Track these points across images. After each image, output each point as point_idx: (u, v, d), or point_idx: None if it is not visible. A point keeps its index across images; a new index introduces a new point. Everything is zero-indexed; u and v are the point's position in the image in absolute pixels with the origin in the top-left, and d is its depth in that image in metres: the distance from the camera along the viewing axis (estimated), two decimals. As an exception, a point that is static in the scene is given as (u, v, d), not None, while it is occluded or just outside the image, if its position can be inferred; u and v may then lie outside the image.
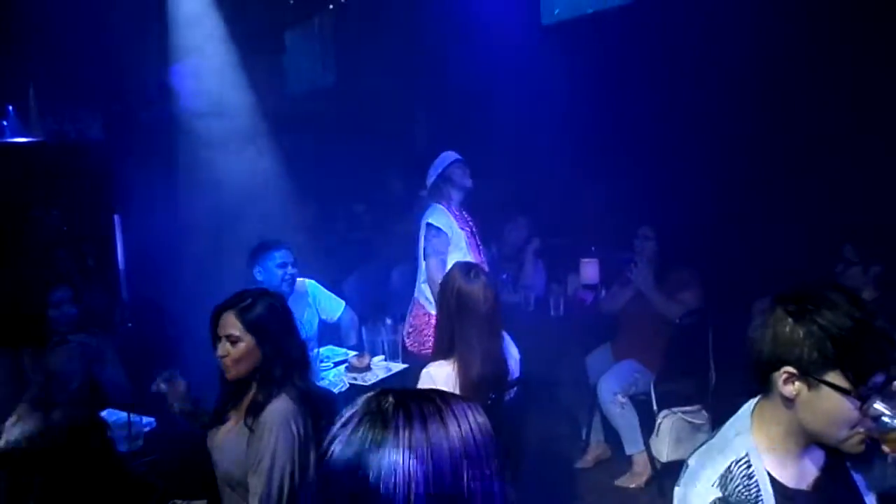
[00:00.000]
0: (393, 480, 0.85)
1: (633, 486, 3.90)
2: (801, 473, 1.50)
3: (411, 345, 3.95)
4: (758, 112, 4.18)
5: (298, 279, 3.90)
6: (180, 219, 5.46)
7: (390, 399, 0.92)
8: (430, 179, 4.11)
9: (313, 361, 3.44)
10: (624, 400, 3.95)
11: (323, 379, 3.40)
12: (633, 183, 4.59)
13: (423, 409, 0.90)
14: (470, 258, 3.95)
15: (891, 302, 3.18)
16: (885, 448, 1.39)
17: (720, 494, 1.44)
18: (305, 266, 4.01)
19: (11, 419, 1.86)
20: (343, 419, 0.92)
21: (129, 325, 4.81)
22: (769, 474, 1.47)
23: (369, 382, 3.39)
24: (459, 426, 0.91)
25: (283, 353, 2.37)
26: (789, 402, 1.43)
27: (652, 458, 3.85)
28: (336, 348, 3.87)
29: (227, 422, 2.40)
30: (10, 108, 5.18)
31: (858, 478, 1.54)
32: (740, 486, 1.44)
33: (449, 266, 3.02)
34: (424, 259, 3.97)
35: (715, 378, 3.96)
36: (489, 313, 2.63)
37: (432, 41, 5.78)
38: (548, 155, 5.20)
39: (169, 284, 5.02)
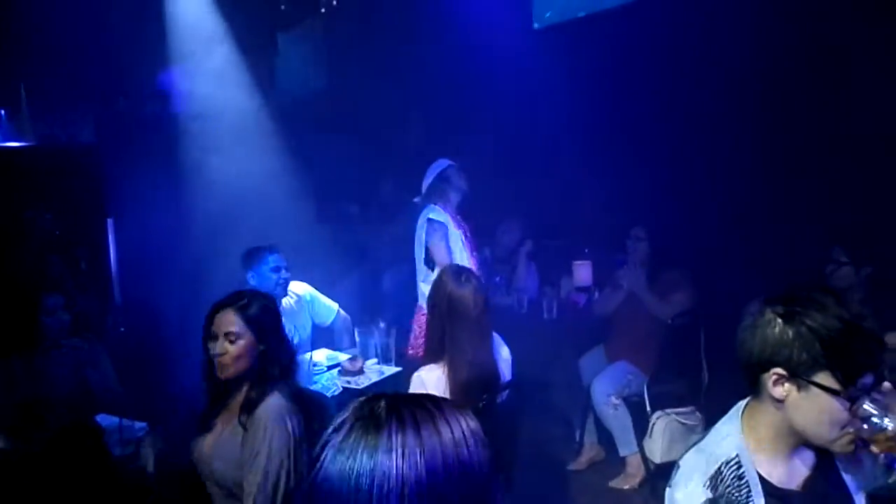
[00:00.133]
0: (386, 486, 0.86)
1: (626, 487, 3.91)
2: (791, 474, 1.51)
3: (416, 348, 3.88)
4: (750, 115, 4.20)
5: (294, 283, 3.91)
6: (174, 222, 5.44)
7: (382, 404, 0.92)
8: (428, 181, 4.12)
9: (306, 365, 3.47)
10: (617, 401, 3.96)
11: (316, 383, 3.40)
12: (625, 185, 4.61)
13: (416, 415, 0.91)
14: (465, 259, 3.97)
15: (881, 302, 3.21)
16: (874, 448, 1.40)
17: (711, 495, 1.44)
18: (299, 269, 4.02)
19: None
20: (335, 424, 0.92)
21: (122, 329, 4.80)
22: (759, 475, 1.48)
23: (362, 386, 3.39)
24: (452, 432, 0.91)
25: (278, 352, 2.42)
26: (779, 403, 1.44)
27: (645, 460, 3.86)
28: (330, 352, 3.87)
29: (214, 428, 2.39)
30: (2, 112, 5.17)
31: (848, 478, 1.55)
32: (731, 487, 1.45)
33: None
34: (429, 247, 3.95)
35: (708, 379, 3.97)
36: (480, 317, 2.64)
37: (424, 45, 5.78)
38: (540, 158, 5.22)
39: (162, 288, 5.00)
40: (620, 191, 4.61)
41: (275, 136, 5.90)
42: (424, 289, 3.96)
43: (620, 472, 3.98)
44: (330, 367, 3.62)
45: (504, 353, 2.85)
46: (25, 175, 5.17)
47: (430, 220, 3.97)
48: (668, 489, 1.54)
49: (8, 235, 4.98)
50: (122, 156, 5.58)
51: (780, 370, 1.42)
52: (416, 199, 4.21)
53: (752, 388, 1.51)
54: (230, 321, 2.36)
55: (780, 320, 1.43)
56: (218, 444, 2.35)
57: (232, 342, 2.34)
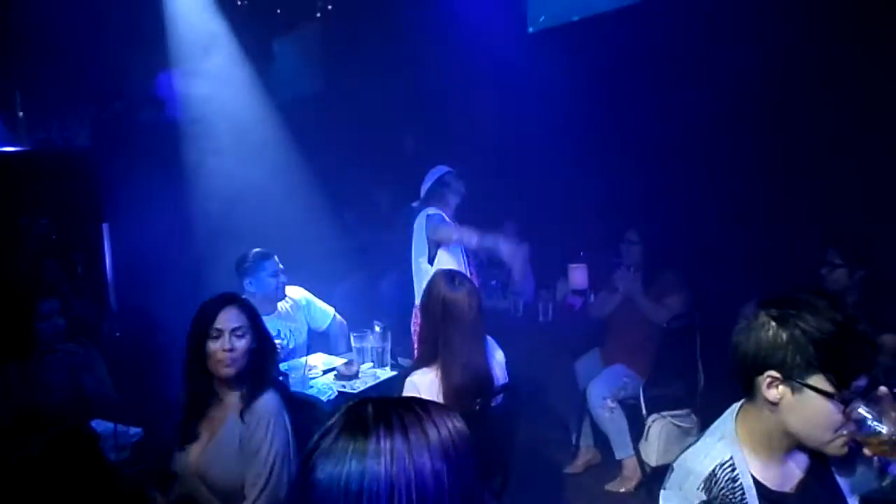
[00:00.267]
0: (375, 490, 0.86)
1: (622, 490, 3.91)
2: (784, 476, 1.52)
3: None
4: (744, 117, 4.21)
5: (290, 287, 3.91)
6: (170, 226, 5.44)
7: (370, 409, 0.93)
8: (426, 186, 4.12)
9: (301, 369, 3.47)
10: (613, 405, 3.96)
11: (311, 387, 3.40)
12: (621, 187, 4.61)
13: (404, 418, 0.91)
14: (462, 264, 3.97)
15: (875, 304, 3.21)
16: (867, 451, 1.40)
17: (705, 497, 1.45)
18: (295, 274, 4.02)
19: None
20: (323, 430, 0.92)
21: (117, 334, 4.80)
22: (753, 477, 1.48)
23: (358, 390, 3.39)
24: (440, 434, 0.92)
25: (270, 352, 2.49)
26: (773, 405, 1.45)
27: (641, 463, 3.85)
28: (325, 356, 3.87)
29: (199, 438, 2.38)
30: (-2, 116, 5.17)
31: (842, 480, 1.55)
32: (725, 490, 1.46)
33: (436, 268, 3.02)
34: (431, 235, 3.95)
35: (703, 381, 3.97)
36: (474, 320, 2.64)
37: (419, 49, 5.79)
38: (536, 161, 5.22)
39: (158, 293, 5.00)
40: (616, 194, 4.62)
41: (271, 140, 5.91)
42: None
43: (616, 475, 3.98)
44: (326, 372, 3.61)
45: (498, 357, 2.86)
46: (21, 179, 5.17)
47: (428, 215, 3.99)
48: (662, 491, 1.54)
49: (3, 240, 4.97)
50: (119, 160, 5.58)
51: (774, 373, 1.43)
52: (414, 204, 4.21)
53: (746, 390, 1.52)
54: (235, 317, 2.40)
55: (773, 323, 1.44)
56: (211, 451, 2.35)
57: (239, 337, 2.38)
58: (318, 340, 4.06)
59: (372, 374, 3.56)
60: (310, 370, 3.53)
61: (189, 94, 5.91)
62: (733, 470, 1.48)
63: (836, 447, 1.44)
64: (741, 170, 4.24)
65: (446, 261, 3.94)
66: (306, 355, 3.77)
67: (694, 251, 4.28)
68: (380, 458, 0.87)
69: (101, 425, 2.93)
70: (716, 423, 1.60)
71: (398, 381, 2.94)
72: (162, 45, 5.69)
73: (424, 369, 2.65)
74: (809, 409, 1.41)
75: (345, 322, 4.08)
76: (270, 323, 3.74)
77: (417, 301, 4.00)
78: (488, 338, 2.81)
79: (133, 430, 2.87)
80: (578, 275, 4.45)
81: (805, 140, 4.02)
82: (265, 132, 5.91)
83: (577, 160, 4.79)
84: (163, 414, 2.75)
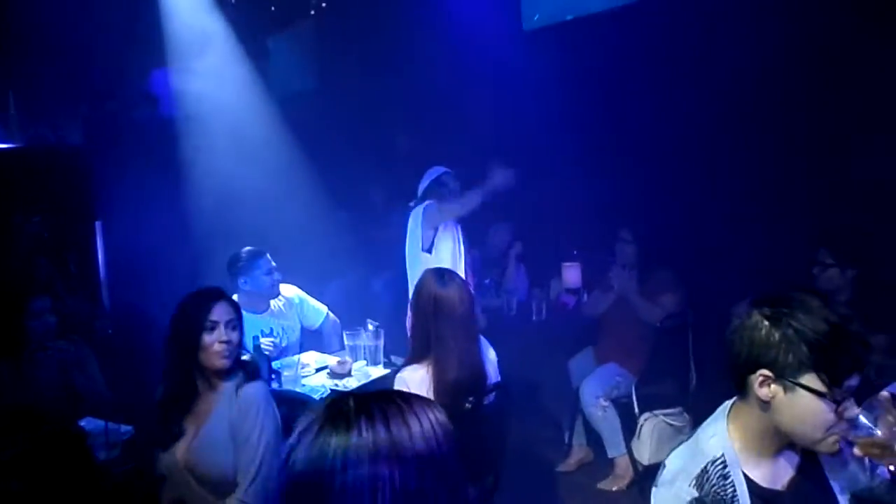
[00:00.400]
0: (359, 483, 0.86)
1: (615, 489, 3.92)
2: (776, 474, 1.52)
3: None
4: (737, 117, 4.21)
5: (283, 285, 3.91)
6: (163, 224, 5.42)
7: (351, 403, 0.93)
8: (424, 185, 4.13)
9: (294, 367, 3.46)
10: (606, 403, 3.97)
11: (304, 385, 3.40)
12: (615, 187, 4.61)
13: (385, 411, 0.92)
14: (460, 257, 3.98)
15: (866, 303, 3.23)
16: (857, 450, 1.41)
17: (696, 494, 1.45)
18: (289, 272, 4.01)
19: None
20: (304, 425, 0.92)
21: (110, 332, 4.78)
22: (745, 475, 1.49)
23: (350, 388, 3.38)
24: (421, 425, 0.92)
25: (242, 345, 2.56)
26: (765, 404, 1.45)
27: (634, 461, 3.86)
28: (318, 354, 3.86)
29: (185, 434, 2.40)
30: (-9, 112, 5.15)
31: (833, 478, 1.55)
32: (716, 487, 1.46)
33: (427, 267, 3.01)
34: (430, 219, 3.97)
35: (695, 380, 3.98)
36: (466, 316, 2.64)
37: (413, 47, 5.79)
38: (529, 160, 5.22)
39: (151, 291, 4.98)
40: (609, 193, 4.62)
41: (265, 138, 5.89)
42: None
43: (609, 473, 3.99)
44: (318, 370, 3.61)
45: (490, 355, 2.86)
46: (13, 177, 5.14)
47: (427, 204, 4.02)
48: (654, 488, 1.55)
49: (-4, 237, 4.95)
50: (112, 158, 5.56)
51: (766, 372, 1.43)
52: (410, 204, 4.21)
53: (738, 388, 1.52)
54: (227, 310, 2.44)
55: (766, 322, 1.44)
56: (200, 443, 2.36)
57: (233, 329, 2.43)
58: (312, 339, 4.06)
59: (365, 373, 3.55)
60: (303, 368, 3.53)
61: (183, 92, 5.89)
62: (725, 467, 1.48)
63: (828, 445, 1.44)
64: (734, 170, 4.25)
65: (444, 247, 3.94)
66: (299, 353, 3.77)
67: (687, 250, 4.28)
68: (362, 450, 0.87)
69: (91, 423, 2.92)
70: (708, 421, 1.61)
71: (391, 380, 2.94)
72: (156, 42, 5.68)
73: (415, 365, 2.65)
74: (801, 407, 1.41)
75: (338, 320, 4.08)
76: (263, 321, 3.76)
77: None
78: (480, 337, 2.81)
79: (124, 428, 2.87)
80: (572, 274, 4.46)
81: (798, 140, 4.03)
82: (260, 130, 5.89)
83: (570, 159, 4.79)
84: (154, 412, 2.74)
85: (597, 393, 3.98)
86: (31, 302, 3.35)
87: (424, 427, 0.92)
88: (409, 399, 0.96)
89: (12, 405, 3.02)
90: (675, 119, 4.44)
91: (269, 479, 2.26)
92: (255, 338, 3.37)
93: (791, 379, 1.40)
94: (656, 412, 3.83)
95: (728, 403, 1.58)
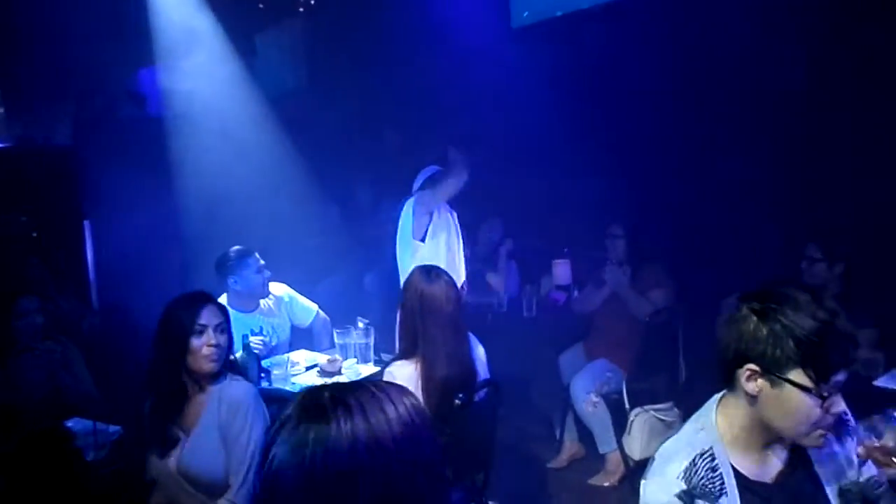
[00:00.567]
0: (342, 472, 0.86)
1: (606, 484, 3.92)
2: (764, 467, 1.53)
3: None
4: (727, 113, 4.23)
5: (272, 284, 3.89)
6: (152, 224, 5.40)
7: (326, 394, 0.93)
8: (419, 183, 4.12)
9: (284, 366, 3.45)
10: (597, 399, 3.97)
11: (294, 384, 3.38)
12: (604, 183, 4.62)
13: (361, 399, 0.92)
14: (458, 244, 3.98)
15: (854, 298, 3.25)
16: (861, 451, 1.42)
17: (684, 487, 1.46)
18: (278, 271, 3.99)
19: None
20: (280, 421, 0.92)
21: (98, 331, 4.75)
22: (733, 467, 1.49)
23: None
24: (397, 410, 0.93)
25: (231, 347, 2.56)
26: (752, 398, 1.46)
27: (625, 457, 3.86)
28: (308, 353, 3.85)
29: (178, 440, 2.40)
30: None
31: (821, 471, 1.56)
32: (704, 479, 1.46)
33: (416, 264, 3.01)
34: (432, 196, 3.94)
35: (685, 375, 3.99)
36: (453, 313, 2.64)
37: (402, 45, 5.77)
38: (519, 157, 5.22)
39: (140, 290, 4.95)
40: (599, 189, 4.63)
41: (254, 136, 5.87)
42: None
43: (600, 469, 3.99)
44: (308, 368, 3.60)
45: (478, 352, 2.85)
46: (0, 177, 5.12)
47: (418, 194, 4.00)
48: (643, 481, 1.55)
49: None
50: (100, 157, 5.53)
51: (753, 366, 1.44)
52: (405, 199, 4.21)
53: (726, 382, 1.53)
54: (217, 314, 2.45)
55: (755, 317, 1.44)
56: (191, 447, 2.36)
57: (221, 333, 2.43)
58: (302, 337, 4.04)
59: (355, 371, 3.54)
60: (292, 367, 3.51)
61: (171, 90, 5.86)
62: (713, 460, 1.49)
63: (813, 440, 1.45)
64: (724, 165, 4.25)
65: (439, 236, 3.94)
66: (289, 352, 3.75)
67: (676, 245, 4.30)
68: (343, 440, 0.88)
69: (79, 424, 2.90)
70: (697, 414, 1.61)
71: (380, 376, 2.93)
72: (144, 40, 5.64)
73: (404, 361, 2.65)
74: (788, 402, 1.42)
75: (328, 318, 4.06)
76: (253, 320, 3.74)
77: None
78: (469, 333, 2.81)
79: (112, 428, 2.85)
80: (562, 270, 4.47)
81: (787, 136, 4.05)
82: (248, 128, 5.87)
83: (561, 156, 4.79)
84: (143, 413, 2.73)
85: (587, 389, 3.99)
86: (18, 302, 3.32)
87: (401, 412, 0.93)
88: (382, 387, 0.97)
89: (1, 407, 3.00)
90: (664, 115, 4.44)
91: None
92: (245, 337, 3.36)
93: (778, 374, 1.41)
94: (647, 407, 3.82)
95: (717, 397, 1.59)
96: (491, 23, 5.35)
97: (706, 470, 1.47)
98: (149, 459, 2.41)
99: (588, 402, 3.96)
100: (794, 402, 1.41)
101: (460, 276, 4.00)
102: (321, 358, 3.66)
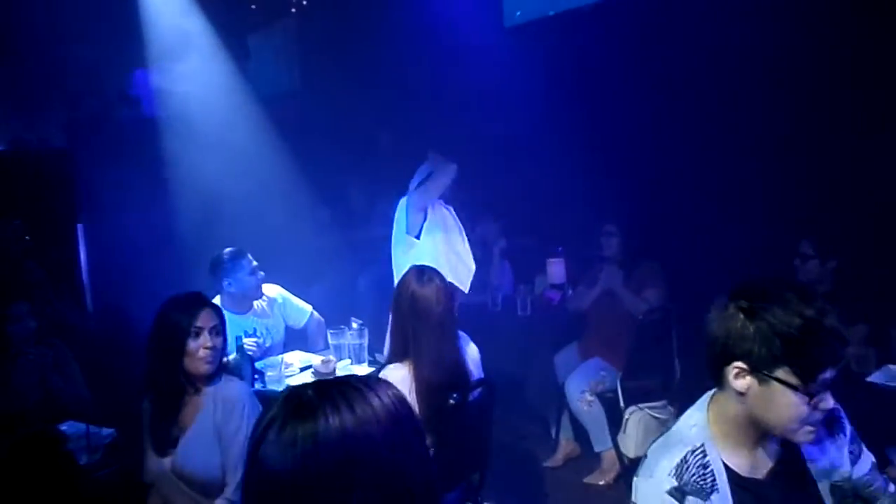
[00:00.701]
0: (335, 465, 0.87)
1: (602, 483, 3.93)
2: (756, 463, 1.53)
3: None
4: (721, 112, 4.23)
5: (266, 285, 3.88)
6: (146, 227, 5.39)
7: (310, 392, 0.94)
8: (415, 182, 4.12)
9: (278, 367, 3.45)
10: (591, 398, 3.97)
11: (288, 386, 3.37)
12: (598, 182, 4.62)
13: (346, 393, 0.93)
14: (459, 235, 3.98)
15: (846, 294, 3.26)
16: None
17: (675, 483, 1.45)
18: (273, 272, 3.99)
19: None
20: (266, 420, 0.93)
21: (92, 335, 4.74)
22: (724, 464, 1.49)
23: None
24: (382, 401, 0.95)
25: (226, 348, 2.60)
26: (741, 395, 1.46)
27: (620, 455, 3.86)
28: (303, 354, 3.85)
29: (177, 441, 2.40)
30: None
31: (813, 467, 1.56)
32: (695, 476, 1.46)
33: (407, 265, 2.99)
34: (425, 194, 3.92)
35: (679, 373, 4.00)
36: (442, 316, 2.63)
37: (395, 45, 5.77)
38: (513, 156, 5.23)
39: (134, 293, 4.95)
40: (593, 188, 4.63)
41: (248, 137, 5.86)
42: None
43: (596, 467, 4.00)
44: (303, 369, 3.59)
45: (471, 352, 2.85)
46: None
47: (409, 193, 3.98)
48: (635, 478, 1.55)
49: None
50: (93, 160, 5.53)
51: (741, 364, 1.44)
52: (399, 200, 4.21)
53: (715, 380, 1.53)
54: (213, 316, 2.47)
55: (742, 315, 1.44)
56: (187, 446, 2.37)
57: (217, 335, 2.45)
58: (297, 338, 4.04)
59: (349, 372, 3.54)
60: (286, 368, 3.51)
61: (165, 92, 5.86)
62: (704, 456, 1.48)
63: (802, 436, 1.45)
64: (718, 163, 4.27)
65: (434, 232, 3.92)
66: (283, 353, 3.75)
67: (671, 243, 4.30)
68: (332, 434, 0.89)
69: (73, 427, 2.89)
70: (689, 411, 1.61)
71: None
72: (137, 43, 5.63)
73: (397, 364, 2.64)
74: (775, 400, 1.41)
75: (322, 319, 4.05)
76: (247, 321, 3.74)
77: None
78: (460, 332, 2.80)
79: (105, 431, 2.84)
80: (556, 269, 4.47)
81: (781, 134, 4.06)
82: (242, 129, 5.86)
83: (554, 155, 4.79)
84: (137, 414, 2.73)
85: (582, 387, 3.99)
86: (11, 307, 3.32)
87: (385, 402, 0.95)
88: (364, 380, 0.99)
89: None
90: (658, 113, 4.45)
91: None
92: (238, 338, 3.35)
93: (765, 372, 1.41)
94: (641, 405, 3.82)
95: (709, 394, 1.59)
96: (483, 22, 5.35)
97: (697, 467, 1.47)
98: (145, 460, 2.42)
99: (583, 400, 3.97)
100: (782, 399, 1.40)
101: (469, 269, 4.01)
102: (315, 359, 3.65)
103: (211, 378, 2.44)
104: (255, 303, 3.83)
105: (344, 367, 3.57)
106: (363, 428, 0.90)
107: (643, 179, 4.54)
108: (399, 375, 2.58)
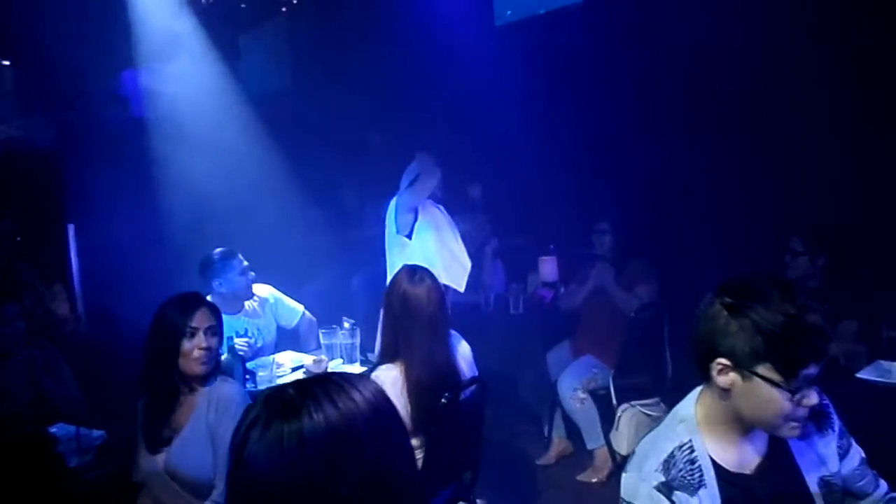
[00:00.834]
0: (321, 460, 0.88)
1: (594, 480, 3.93)
2: (744, 458, 1.54)
3: None
4: (712, 110, 4.24)
5: (257, 285, 3.87)
6: (136, 227, 5.38)
7: (292, 391, 0.94)
8: (405, 182, 4.12)
9: (269, 367, 3.44)
10: (584, 395, 3.98)
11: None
12: (589, 180, 4.63)
13: (327, 390, 0.94)
14: (451, 231, 3.98)
15: (835, 291, 3.27)
16: None
17: (663, 479, 1.46)
18: (264, 272, 3.98)
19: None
20: (248, 422, 0.93)
21: (83, 335, 4.73)
22: (712, 459, 1.50)
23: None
24: (364, 395, 0.96)
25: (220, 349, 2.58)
26: (725, 392, 1.47)
27: (613, 452, 3.88)
28: (295, 354, 3.84)
29: (170, 441, 2.40)
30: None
31: (801, 461, 1.57)
32: (683, 471, 1.47)
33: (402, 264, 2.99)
34: (411, 196, 3.94)
35: (671, 370, 4.01)
36: (433, 315, 2.62)
37: (386, 45, 5.77)
38: (504, 155, 5.23)
39: (125, 292, 4.93)
40: (584, 186, 4.64)
41: (238, 138, 5.85)
42: None
43: (589, 465, 4.00)
44: (294, 369, 3.59)
45: (463, 351, 2.85)
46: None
47: (398, 194, 3.99)
48: (624, 474, 1.56)
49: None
50: (83, 160, 5.51)
51: (724, 360, 1.45)
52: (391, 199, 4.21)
53: (702, 375, 1.53)
54: (209, 317, 2.47)
55: (726, 311, 1.45)
56: (180, 447, 2.37)
57: (213, 335, 2.45)
58: (289, 338, 4.03)
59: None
60: (278, 368, 3.50)
61: (155, 92, 5.84)
62: (692, 452, 1.49)
63: (788, 431, 1.46)
64: (708, 160, 4.28)
65: (426, 232, 3.93)
66: (274, 353, 3.74)
67: (661, 241, 4.31)
68: (317, 429, 0.89)
69: (63, 429, 2.87)
70: (677, 407, 1.62)
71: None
72: (127, 42, 5.61)
73: (389, 365, 2.64)
74: (759, 396, 1.42)
75: (314, 319, 4.05)
76: (238, 322, 3.73)
77: None
78: (452, 331, 2.80)
79: (96, 432, 2.82)
80: (548, 267, 4.47)
81: (772, 131, 4.07)
82: (232, 129, 5.84)
83: (546, 153, 4.80)
84: (129, 415, 2.72)
85: (574, 385, 4.00)
86: (1, 308, 3.30)
87: (366, 396, 0.96)
88: (344, 376, 0.99)
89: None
90: (648, 112, 4.46)
91: None
92: (230, 339, 3.34)
93: (748, 368, 1.42)
94: (634, 403, 3.84)
95: (697, 389, 1.60)
96: (474, 21, 5.35)
97: (685, 462, 1.48)
98: (137, 459, 2.41)
99: (575, 398, 3.98)
100: (765, 395, 1.41)
101: (464, 266, 4.03)
102: (307, 359, 3.64)
103: (206, 378, 2.45)
104: (247, 303, 3.82)
105: (336, 367, 3.56)
106: (347, 423, 0.90)
107: (634, 177, 4.53)
108: (391, 377, 2.58)
